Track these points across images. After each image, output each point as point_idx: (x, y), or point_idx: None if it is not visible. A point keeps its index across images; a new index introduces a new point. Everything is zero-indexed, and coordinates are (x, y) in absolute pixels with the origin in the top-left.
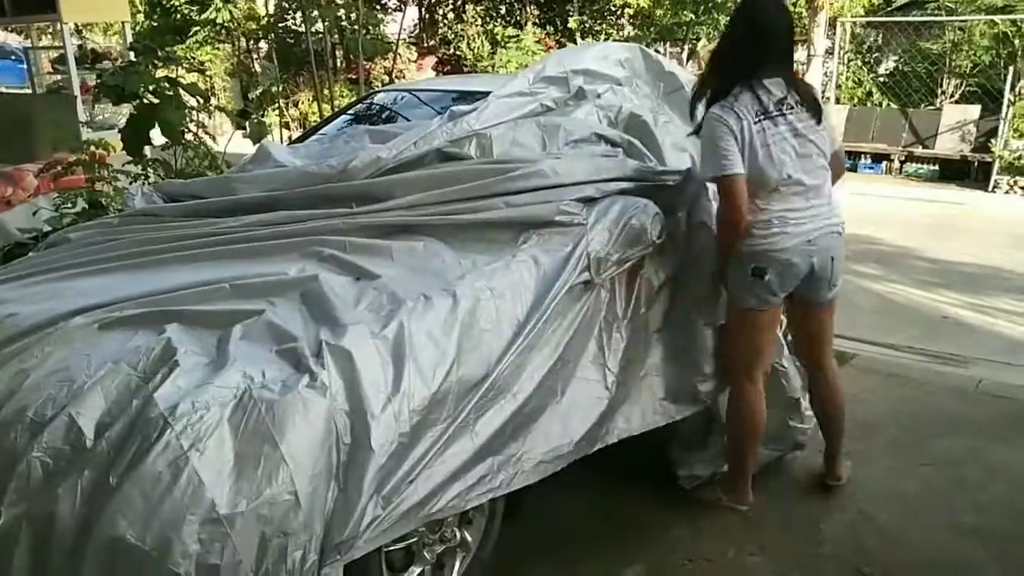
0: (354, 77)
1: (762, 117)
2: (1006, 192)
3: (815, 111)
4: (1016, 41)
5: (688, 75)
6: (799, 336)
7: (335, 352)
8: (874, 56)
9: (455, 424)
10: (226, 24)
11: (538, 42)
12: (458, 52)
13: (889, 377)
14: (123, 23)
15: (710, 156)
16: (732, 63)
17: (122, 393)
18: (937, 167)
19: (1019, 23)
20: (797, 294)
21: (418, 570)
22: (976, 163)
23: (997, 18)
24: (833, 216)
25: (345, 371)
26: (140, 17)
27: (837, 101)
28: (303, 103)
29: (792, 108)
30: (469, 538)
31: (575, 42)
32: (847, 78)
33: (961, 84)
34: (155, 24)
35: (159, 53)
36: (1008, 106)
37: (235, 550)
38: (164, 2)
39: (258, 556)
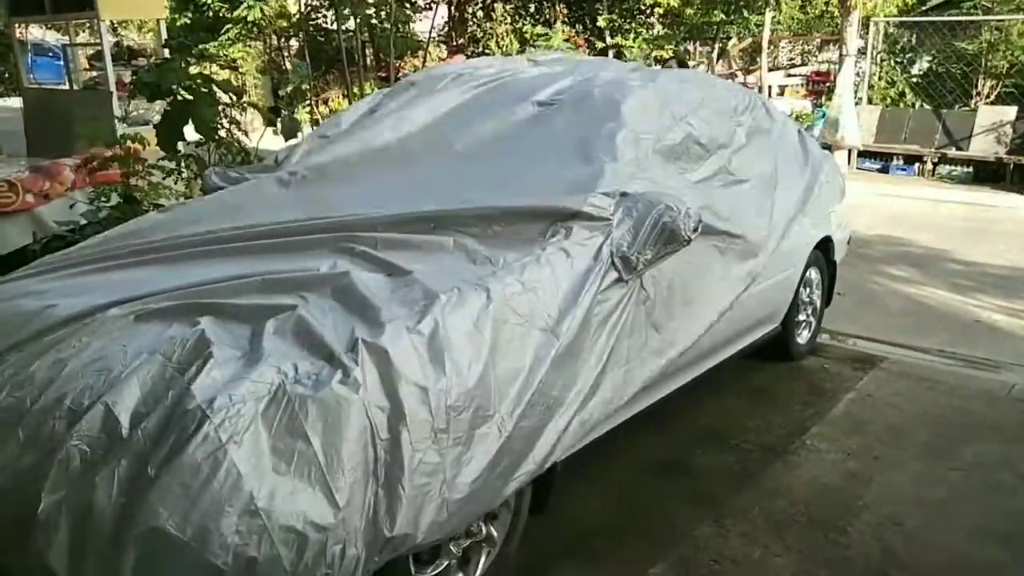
0: (384, 75)
1: None
2: None
3: None
4: None
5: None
6: None
7: (370, 348)
8: (907, 56)
9: (494, 419)
10: (257, 22)
11: (567, 40)
12: (487, 50)
13: (920, 381)
14: (158, 20)
15: None
16: None
17: (158, 383)
18: (971, 169)
19: None
20: None
21: (444, 563)
22: (1012, 165)
23: None
24: None
25: (380, 367)
26: (174, 14)
27: (869, 101)
28: (333, 100)
29: None
30: (495, 533)
31: (604, 40)
32: (880, 78)
33: (997, 85)
34: (188, 21)
35: (192, 50)
36: None
37: (272, 543)
38: (196, 1)
39: (297, 550)
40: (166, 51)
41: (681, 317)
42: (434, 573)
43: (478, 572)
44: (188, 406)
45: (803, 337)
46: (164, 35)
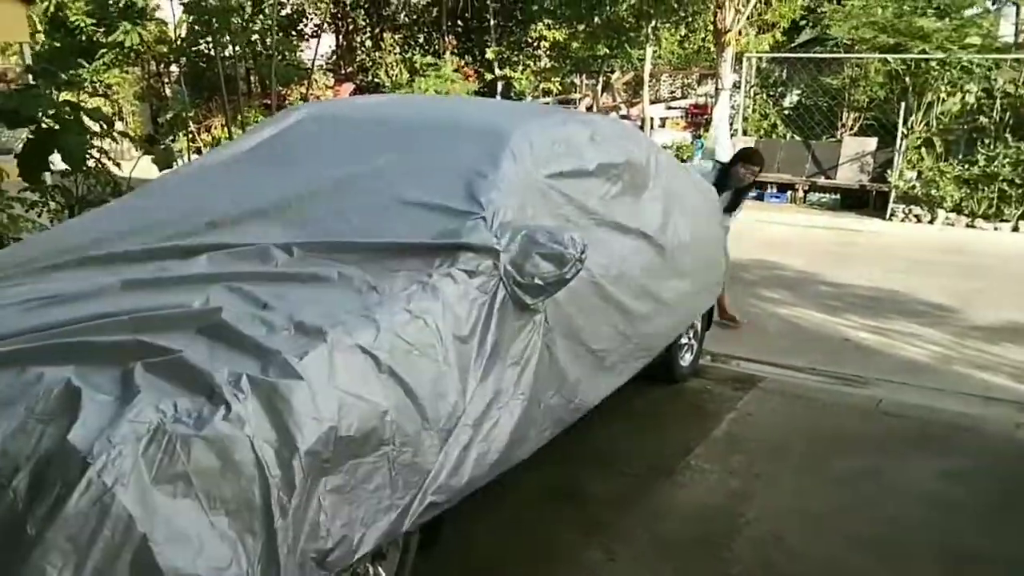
0: (268, 102)
1: None
2: (902, 220)
3: None
4: (907, 78)
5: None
6: None
7: (255, 383)
8: (779, 90)
9: (386, 450)
10: (135, 47)
11: (456, 71)
12: (376, 79)
13: (796, 399)
14: (21, 44)
15: None
16: None
17: (19, 436)
18: (838, 196)
19: (908, 62)
20: None
21: None
22: (874, 192)
23: (889, 56)
24: None
25: (266, 402)
26: (41, 37)
27: (744, 133)
28: (216, 128)
29: None
30: (383, 573)
31: (493, 72)
32: (753, 111)
33: (859, 117)
34: (58, 45)
35: (60, 76)
36: (902, 139)
37: None
38: (68, 23)
39: None
40: (30, 76)
41: (584, 353)
42: None
43: None
44: (66, 457)
45: (686, 360)
46: (29, 59)
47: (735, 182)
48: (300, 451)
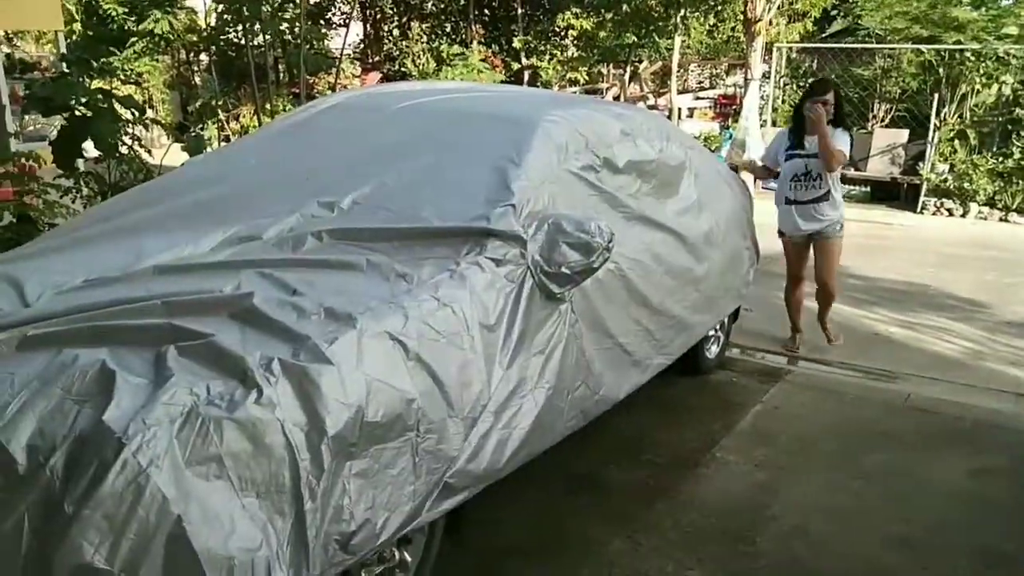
0: (296, 91)
1: None
2: (933, 213)
3: None
4: (940, 69)
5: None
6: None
7: (285, 368)
8: (808, 80)
9: (410, 437)
10: (165, 35)
11: (483, 60)
12: (403, 68)
13: (824, 392)
14: (56, 32)
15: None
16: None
17: (56, 416)
18: (869, 189)
19: (942, 53)
20: None
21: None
22: (905, 185)
23: (923, 47)
24: None
25: (297, 386)
26: (77, 26)
27: (774, 124)
28: (244, 116)
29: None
30: (408, 558)
31: (519, 61)
32: (783, 101)
33: (891, 109)
34: (91, 34)
35: (93, 64)
36: (934, 131)
37: (201, 568)
38: (100, 11)
39: (226, 573)
40: (64, 65)
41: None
42: None
43: None
44: (101, 438)
45: (712, 352)
46: (63, 47)
47: (808, 128)
48: (328, 435)
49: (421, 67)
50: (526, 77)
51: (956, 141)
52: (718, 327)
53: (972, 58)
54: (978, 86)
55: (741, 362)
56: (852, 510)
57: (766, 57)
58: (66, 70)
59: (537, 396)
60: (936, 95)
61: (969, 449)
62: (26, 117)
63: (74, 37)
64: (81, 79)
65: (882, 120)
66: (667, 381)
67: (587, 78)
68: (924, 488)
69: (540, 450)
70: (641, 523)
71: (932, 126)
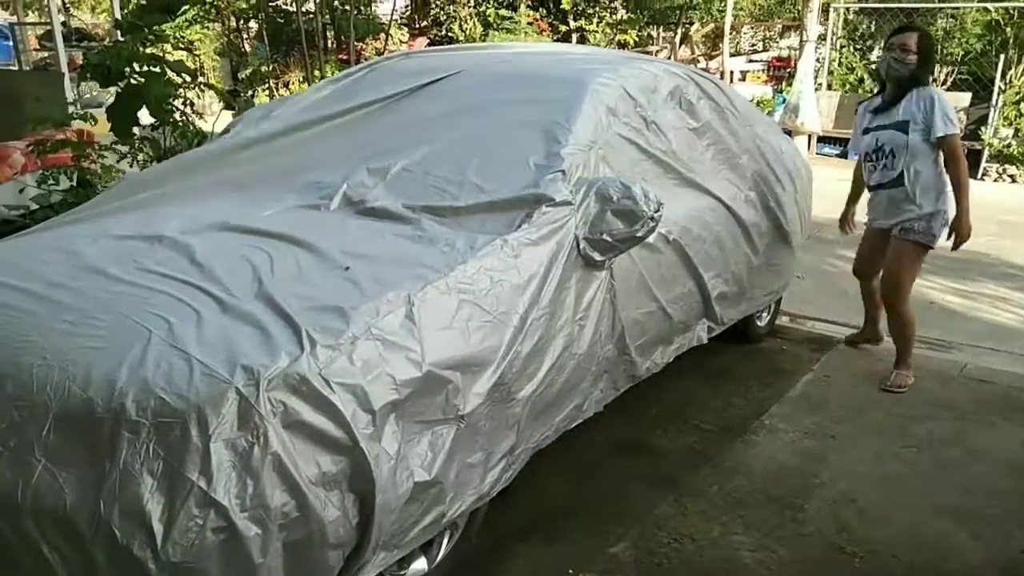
0: (345, 58)
1: None
2: (995, 180)
3: None
4: (1008, 29)
5: None
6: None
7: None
8: (866, 43)
9: (457, 406)
10: (215, 3)
11: (531, 23)
12: (450, 33)
13: (875, 362)
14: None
15: (947, 118)
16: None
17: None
18: None
19: (1011, 10)
20: None
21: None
22: (966, 150)
23: (990, 4)
24: None
25: (359, 355)
26: None
27: (829, 87)
28: (294, 83)
29: None
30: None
31: (567, 24)
32: (839, 64)
33: (952, 71)
34: (143, 2)
35: (146, 31)
36: (998, 94)
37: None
38: None
39: None
40: (118, 32)
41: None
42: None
43: (440, 555)
44: (219, 388)
45: (762, 319)
46: (118, 14)
47: (887, 74)
48: (394, 401)
49: (468, 31)
50: (574, 40)
51: (1022, 105)
52: None
53: None
54: None
55: (792, 330)
56: (903, 479)
57: (822, 19)
58: (120, 38)
59: (579, 363)
60: (1002, 56)
61: None
62: (83, 84)
63: (130, 6)
64: (135, 46)
65: (943, 83)
66: (716, 349)
67: (636, 41)
68: (978, 458)
69: (582, 417)
70: (688, 487)
71: (996, 89)
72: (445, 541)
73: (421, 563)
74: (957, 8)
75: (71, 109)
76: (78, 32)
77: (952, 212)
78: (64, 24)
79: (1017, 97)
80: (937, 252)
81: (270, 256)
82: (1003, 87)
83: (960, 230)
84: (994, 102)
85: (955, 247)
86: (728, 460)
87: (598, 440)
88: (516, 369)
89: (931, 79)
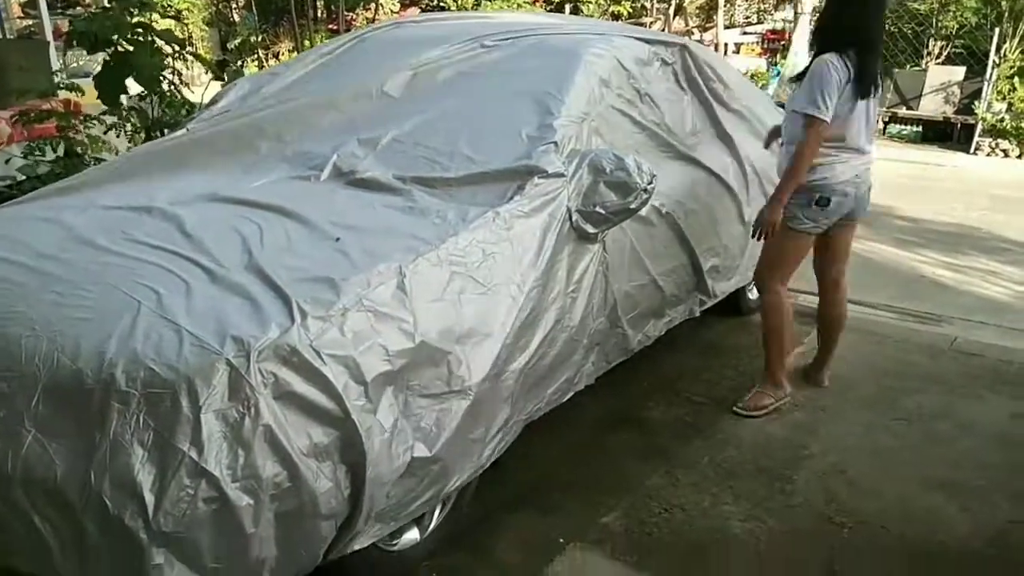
0: (335, 28)
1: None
2: (987, 155)
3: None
4: (1003, 2)
5: None
6: (823, 255)
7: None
8: None
9: (445, 378)
10: None
11: None
12: (442, 3)
13: (867, 335)
14: None
15: (811, 94)
16: (853, 25)
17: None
18: (920, 128)
19: None
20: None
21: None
22: (959, 125)
23: None
24: (869, 159)
25: (354, 326)
26: None
27: None
28: (283, 53)
29: (877, 90)
30: None
31: None
32: None
33: (947, 45)
34: None
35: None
36: (993, 68)
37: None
38: None
39: None
40: (105, 0)
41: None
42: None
43: (431, 526)
44: (210, 357)
45: (754, 292)
46: None
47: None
48: (388, 372)
49: (460, 2)
50: (567, 11)
51: (1016, 79)
52: None
53: None
54: None
55: None
56: (892, 451)
57: None
58: (107, 5)
59: (571, 336)
60: (997, 30)
61: (1014, 392)
62: (69, 53)
63: None
64: (122, 14)
65: (937, 57)
66: (708, 322)
67: (630, 11)
68: (967, 431)
69: (574, 390)
70: (679, 459)
71: (991, 63)
72: (437, 512)
73: (413, 533)
74: None
75: (56, 78)
76: None
77: (829, 189)
78: None
79: (1011, 71)
80: (929, 227)
81: (260, 227)
82: (997, 61)
83: (761, 217)
84: (988, 76)
85: (754, 234)
86: (719, 432)
87: (590, 413)
88: (510, 341)
89: (840, 47)
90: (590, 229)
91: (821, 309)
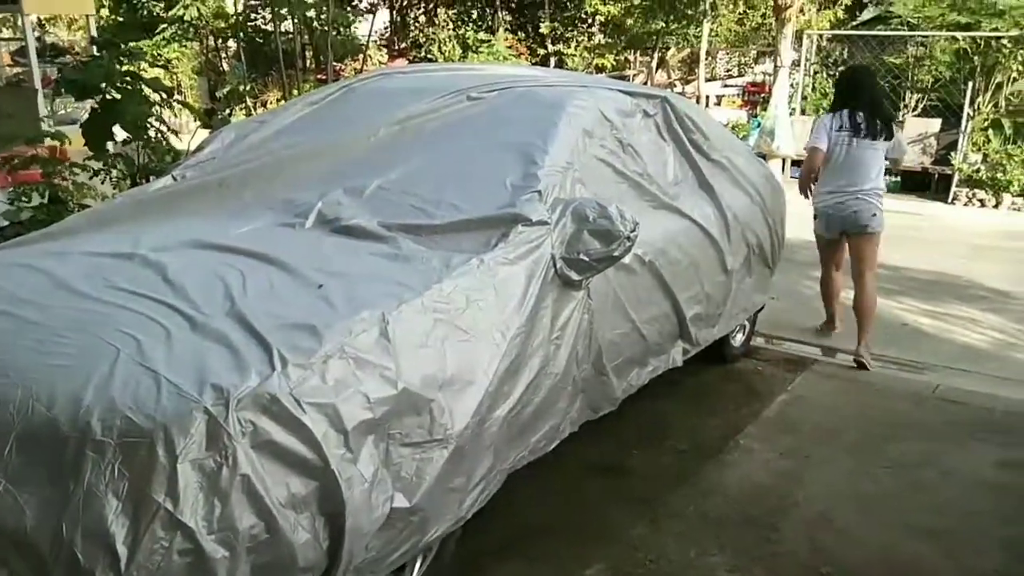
0: (323, 78)
1: (845, 130)
2: (965, 204)
3: (882, 135)
4: (975, 58)
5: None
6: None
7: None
8: (839, 69)
9: (428, 426)
10: (194, 22)
11: (509, 47)
12: (429, 55)
13: (850, 383)
14: (87, 17)
15: (812, 135)
16: (840, 97)
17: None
18: (899, 179)
19: (978, 40)
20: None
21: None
22: (936, 175)
23: (958, 34)
24: (861, 189)
25: (336, 375)
26: (105, 12)
27: (803, 112)
28: (271, 103)
29: (862, 132)
30: None
31: (546, 48)
32: (813, 89)
33: (923, 98)
34: (121, 20)
35: (123, 48)
36: (967, 120)
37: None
38: None
39: None
40: (95, 48)
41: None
42: None
43: None
44: (187, 407)
45: (737, 340)
46: (94, 32)
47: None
48: (369, 421)
49: (447, 54)
50: (552, 63)
51: (990, 131)
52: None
53: (1010, 45)
54: (1014, 74)
55: (767, 351)
56: (877, 499)
57: (796, 45)
58: (96, 53)
59: (555, 384)
60: (970, 83)
61: (998, 440)
62: (56, 100)
63: (103, 23)
64: (111, 62)
65: (914, 109)
66: (692, 369)
67: (614, 65)
68: (951, 479)
69: (559, 438)
70: (664, 508)
71: (965, 115)
72: (419, 563)
73: None
74: (927, 37)
75: (44, 125)
76: (53, 48)
77: (822, 209)
78: (39, 40)
79: (985, 123)
80: (910, 275)
81: (242, 274)
82: (971, 113)
83: None
84: (963, 128)
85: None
86: (704, 481)
87: (575, 461)
88: (493, 389)
89: (839, 105)
90: (574, 276)
91: (854, 298)
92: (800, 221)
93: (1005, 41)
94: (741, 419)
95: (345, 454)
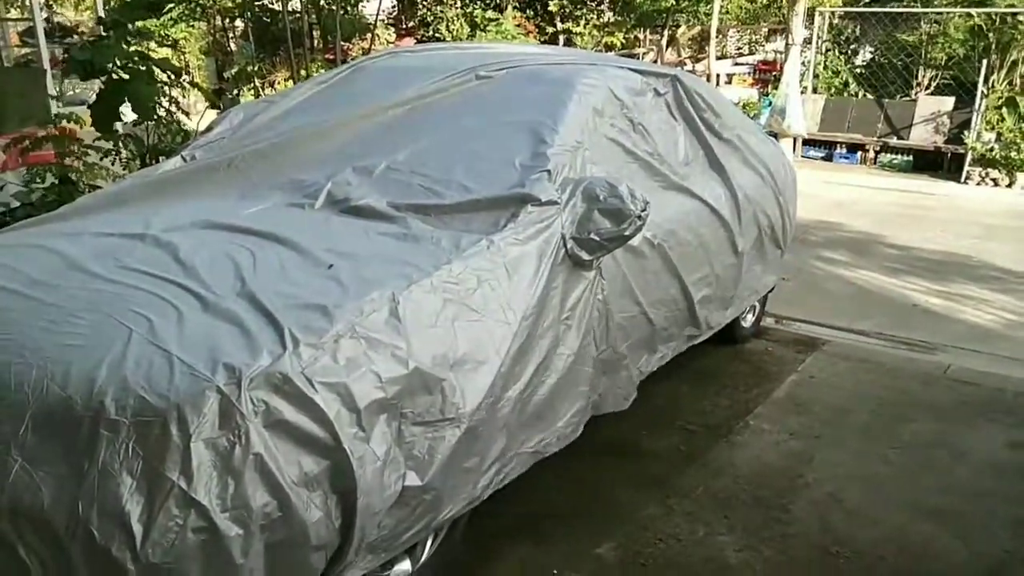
0: (331, 57)
1: None
2: (977, 183)
3: None
4: (990, 35)
5: None
6: None
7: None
8: (851, 47)
9: (440, 406)
10: (201, 2)
11: (518, 25)
12: (437, 34)
13: (860, 363)
14: None
15: None
16: None
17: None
18: (911, 158)
19: (994, 16)
20: None
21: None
22: (949, 154)
23: (973, 11)
24: None
25: (348, 354)
26: None
27: (814, 91)
28: (279, 83)
29: None
30: None
31: (555, 26)
32: (824, 68)
33: (936, 76)
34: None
35: (130, 28)
36: (981, 98)
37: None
38: None
39: None
40: (101, 29)
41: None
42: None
43: (424, 557)
44: (201, 386)
45: (748, 321)
46: (101, 12)
47: None
48: (381, 400)
49: (455, 32)
50: (561, 42)
51: (1004, 109)
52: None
53: None
54: None
55: (777, 331)
56: (887, 479)
57: (807, 22)
58: (104, 33)
59: (567, 366)
60: (985, 61)
61: (1010, 421)
62: (66, 81)
63: (111, 3)
64: (118, 42)
65: (927, 87)
66: (702, 350)
67: (623, 43)
68: (962, 459)
69: (581, 425)
70: (674, 488)
71: (979, 93)
72: (430, 542)
73: (405, 564)
74: (940, 13)
75: (53, 106)
76: (61, 28)
77: None
78: (47, 20)
79: (999, 101)
80: (920, 255)
81: (253, 254)
82: (986, 91)
83: None
84: (977, 106)
85: None
86: (714, 461)
87: (584, 442)
88: (505, 369)
89: None
90: (585, 256)
91: None
92: (811, 201)
93: (1021, 17)
94: (751, 399)
95: (357, 433)
